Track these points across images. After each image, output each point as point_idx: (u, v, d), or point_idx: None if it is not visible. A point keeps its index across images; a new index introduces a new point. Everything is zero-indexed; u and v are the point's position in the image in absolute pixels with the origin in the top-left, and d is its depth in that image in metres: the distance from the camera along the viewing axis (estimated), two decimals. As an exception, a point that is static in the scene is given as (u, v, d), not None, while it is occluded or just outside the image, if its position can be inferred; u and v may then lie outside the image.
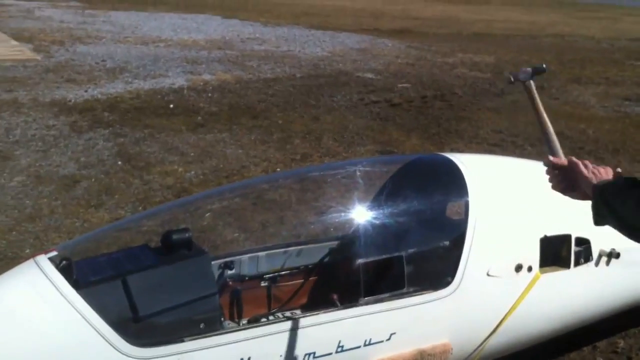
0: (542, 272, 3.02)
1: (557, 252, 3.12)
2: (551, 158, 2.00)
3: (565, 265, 3.12)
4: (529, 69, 2.31)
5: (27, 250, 4.76)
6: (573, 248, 3.13)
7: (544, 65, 2.30)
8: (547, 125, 2.20)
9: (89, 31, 17.59)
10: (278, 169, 6.94)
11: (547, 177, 2.00)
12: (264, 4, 29.61)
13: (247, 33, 18.87)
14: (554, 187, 1.99)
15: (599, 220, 1.79)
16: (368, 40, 18.15)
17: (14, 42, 14.93)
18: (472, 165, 3.21)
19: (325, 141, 8.02)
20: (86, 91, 10.35)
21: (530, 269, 2.98)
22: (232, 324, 2.94)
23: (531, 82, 2.29)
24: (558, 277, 3.10)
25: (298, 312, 3.10)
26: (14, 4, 24.55)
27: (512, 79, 2.40)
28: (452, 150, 7.42)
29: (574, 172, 1.90)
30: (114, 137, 7.88)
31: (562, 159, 2.00)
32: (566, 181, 1.94)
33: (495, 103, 10.49)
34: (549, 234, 3.06)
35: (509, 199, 3.17)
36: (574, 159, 1.93)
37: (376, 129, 8.71)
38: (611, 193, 1.75)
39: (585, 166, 1.88)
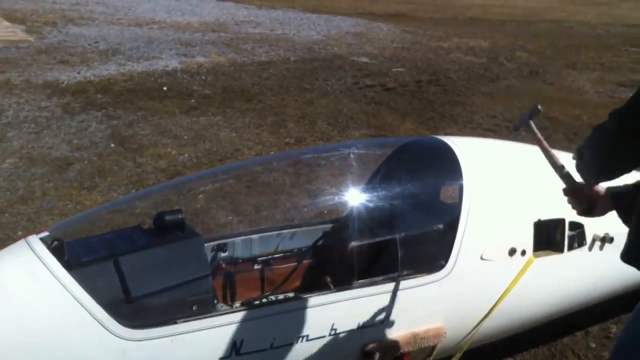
0: (535, 256, 3.02)
1: (550, 236, 3.11)
2: (565, 187, 2.20)
3: (559, 249, 3.12)
4: (526, 113, 2.43)
5: (19, 233, 4.74)
6: (567, 232, 3.13)
7: (539, 106, 2.40)
8: (556, 159, 2.27)
9: (82, 12, 17.44)
10: (272, 152, 6.92)
11: (570, 205, 2.20)
12: (258, -14, 29.41)
13: (242, 16, 18.75)
14: (579, 213, 2.19)
15: (626, 220, 1.97)
16: (363, 24, 18.06)
17: (6, 23, 14.79)
18: (466, 148, 3.20)
19: (320, 125, 7.99)
20: (79, 73, 10.27)
21: (523, 252, 2.98)
22: (225, 307, 2.94)
23: (531, 122, 2.39)
24: (552, 261, 3.10)
25: (291, 294, 3.10)
26: (6, -16, 24.31)
27: (515, 128, 2.55)
28: (447, 135, 7.40)
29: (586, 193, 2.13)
30: (107, 119, 7.83)
31: (577, 183, 2.17)
32: (584, 203, 2.15)
33: (490, 88, 10.46)
34: (542, 218, 3.06)
35: (503, 182, 3.16)
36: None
37: (370, 113, 8.68)
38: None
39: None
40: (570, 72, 12.22)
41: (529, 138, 2.46)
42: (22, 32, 13.86)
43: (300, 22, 17.84)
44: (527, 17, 21.85)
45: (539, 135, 2.36)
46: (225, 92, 9.50)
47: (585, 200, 2.14)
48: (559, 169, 2.25)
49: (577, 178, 2.11)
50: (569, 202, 2.19)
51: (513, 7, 25.39)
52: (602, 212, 2.14)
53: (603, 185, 2.11)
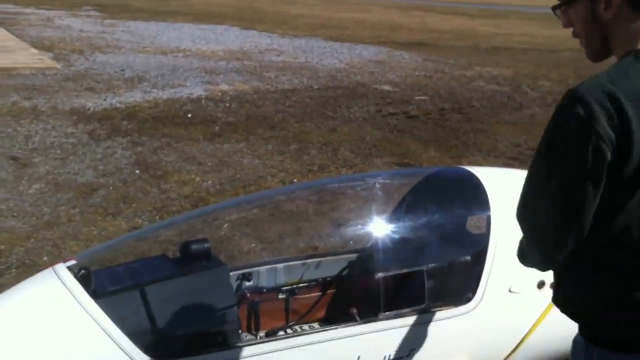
0: (565, 289, 2.96)
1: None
2: None
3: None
4: None
5: (45, 258, 4.77)
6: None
7: None
8: None
9: (108, 40, 17.75)
10: (295, 180, 6.93)
11: None
12: (282, 15, 29.76)
13: (265, 44, 18.95)
14: None
15: None
16: (385, 53, 18.16)
17: (34, 50, 15.09)
18: (493, 179, 3.17)
19: (342, 152, 8.00)
20: (105, 100, 10.42)
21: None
22: (249, 337, 2.91)
23: None
24: (581, 294, 3.03)
25: (316, 325, 3.07)
26: (34, 12, 24.86)
27: None
28: (471, 163, 7.37)
29: None
30: (132, 145, 7.91)
31: None
32: None
33: (514, 116, 10.43)
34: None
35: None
36: None
37: (393, 141, 8.68)
38: None
39: None
40: (594, 100, 12.12)
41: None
42: (50, 59, 14.12)
43: (323, 51, 17.98)
44: (548, 45, 21.83)
45: None
46: (249, 119, 9.56)
47: None
48: None
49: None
50: None
51: (534, 35, 25.41)
52: None
53: None
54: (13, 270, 4.59)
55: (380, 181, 3.42)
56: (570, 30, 1.79)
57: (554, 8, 1.77)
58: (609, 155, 1.49)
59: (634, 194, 1.55)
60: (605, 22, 1.66)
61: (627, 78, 1.56)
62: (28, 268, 4.49)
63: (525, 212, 1.68)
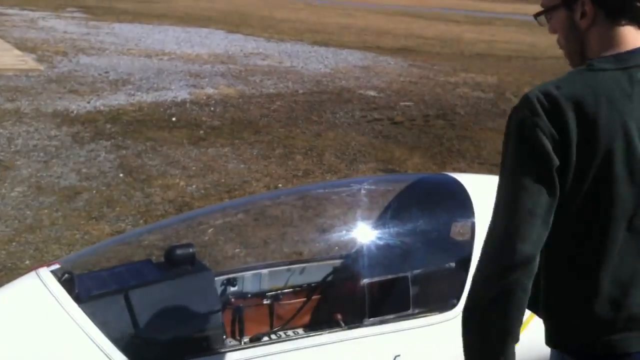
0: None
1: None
2: None
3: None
4: None
5: (27, 262, 4.73)
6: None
7: None
8: None
9: (92, 42, 17.64)
10: (280, 185, 6.93)
11: None
12: (267, 19, 29.75)
13: (251, 48, 18.93)
14: None
15: None
16: (370, 58, 18.20)
17: (17, 52, 14.96)
18: (477, 186, 3.19)
19: (327, 158, 8.01)
20: (89, 102, 10.35)
21: (536, 292, 2.95)
22: (234, 342, 2.91)
23: None
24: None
25: (301, 331, 3.07)
26: (17, 13, 24.65)
27: None
28: (455, 170, 7.41)
29: None
30: (116, 149, 7.87)
31: None
32: None
33: (498, 123, 10.48)
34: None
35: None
36: None
37: (378, 146, 8.71)
38: None
39: None
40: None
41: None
42: (33, 61, 14.01)
43: (309, 55, 17.99)
44: (532, 53, 22.00)
45: None
46: (234, 123, 9.55)
47: None
48: None
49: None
50: None
51: (518, 42, 25.58)
52: None
53: None
54: (-6, 273, 4.55)
55: (366, 187, 3.44)
56: (552, 37, 1.85)
57: (536, 15, 1.83)
58: (552, 151, 1.56)
59: (574, 200, 1.59)
60: (582, 30, 1.71)
61: (572, 83, 1.63)
62: (10, 272, 4.46)
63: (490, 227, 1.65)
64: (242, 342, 2.88)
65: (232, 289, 3.10)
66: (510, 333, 1.62)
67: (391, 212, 3.35)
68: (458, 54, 20.71)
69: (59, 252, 4.89)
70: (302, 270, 3.32)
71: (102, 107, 10.06)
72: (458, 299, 2.78)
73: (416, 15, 39.42)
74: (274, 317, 3.16)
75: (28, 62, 13.79)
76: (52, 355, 2.25)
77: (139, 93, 11.36)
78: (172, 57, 15.86)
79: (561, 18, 1.75)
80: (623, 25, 1.67)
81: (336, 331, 2.61)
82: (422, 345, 2.73)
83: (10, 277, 2.67)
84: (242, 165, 7.49)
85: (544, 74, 16.59)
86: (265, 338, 2.89)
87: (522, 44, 25.05)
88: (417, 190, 3.44)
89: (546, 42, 27.18)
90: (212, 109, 10.46)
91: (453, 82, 14.70)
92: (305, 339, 2.63)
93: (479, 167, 7.86)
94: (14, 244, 5.08)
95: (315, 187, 4.80)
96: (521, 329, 1.60)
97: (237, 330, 3.00)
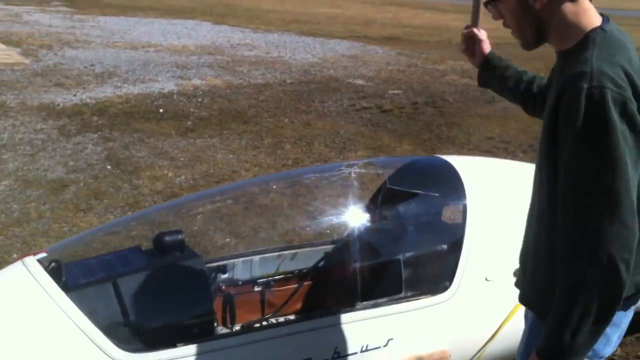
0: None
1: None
2: (466, 26, 2.41)
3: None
4: None
5: (14, 255, 4.67)
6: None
7: None
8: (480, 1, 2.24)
9: (77, 35, 17.47)
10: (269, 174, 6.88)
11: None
12: (254, 10, 29.61)
13: (237, 39, 18.82)
14: (460, 48, 2.48)
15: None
16: (358, 47, 18.14)
17: (2, 46, 14.79)
18: (469, 168, 3.17)
19: (317, 147, 7.97)
20: (75, 95, 10.25)
21: (528, 273, 2.93)
22: (225, 329, 2.88)
23: None
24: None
25: (293, 317, 3.04)
26: (2, 8, 24.39)
27: None
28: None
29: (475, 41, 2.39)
30: (103, 141, 7.79)
31: (474, 31, 2.40)
32: (469, 47, 2.43)
33: (487, 110, 10.48)
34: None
35: (506, 202, 3.12)
36: (478, 32, 2.41)
37: (367, 135, 8.67)
38: None
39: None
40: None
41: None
42: (18, 54, 13.86)
43: (296, 45, 17.91)
44: (520, 40, 21.97)
45: None
46: (222, 114, 9.48)
47: (470, 48, 2.41)
48: (476, 9, 2.38)
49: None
50: (462, 36, 2.43)
51: (506, 30, 25.54)
52: (473, 63, 2.48)
53: (487, 49, 2.43)
54: (-18, 267, 4.49)
55: (356, 170, 3.40)
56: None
57: (486, 3, 1.83)
58: None
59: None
60: (537, 12, 1.70)
61: (618, 49, 1.66)
62: (-3, 265, 4.40)
63: (585, 221, 1.63)
64: (234, 329, 2.86)
65: (223, 275, 3.07)
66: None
67: (382, 195, 3.32)
68: (446, 42, 20.67)
69: (47, 245, 4.83)
70: (294, 257, 3.30)
71: (88, 100, 9.96)
72: (450, 282, 2.77)
73: (403, 4, 39.36)
74: (265, 304, 3.13)
75: (13, 56, 13.64)
76: (40, 345, 2.21)
77: (126, 85, 11.26)
78: (159, 49, 15.73)
79: (511, 3, 1.78)
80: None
81: (328, 316, 2.58)
82: (415, 328, 2.71)
83: (-3, 269, 2.62)
84: (230, 156, 7.44)
85: (533, 60, 16.56)
86: (257, 325, 2.86)
87: (509, 32, 25.02)
88: (408, 173, 3.41)
89: (533, 29, 27.13)
90: (199, 100, 10.38)
91: (441, 69, 14.67)
92: (297, 324, 2.61)
93: (469, 153, 7.83)
94: (1, 237, 5.02)
95: (305, 172, 4.76)
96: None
97: (229, 316, 2.97)
